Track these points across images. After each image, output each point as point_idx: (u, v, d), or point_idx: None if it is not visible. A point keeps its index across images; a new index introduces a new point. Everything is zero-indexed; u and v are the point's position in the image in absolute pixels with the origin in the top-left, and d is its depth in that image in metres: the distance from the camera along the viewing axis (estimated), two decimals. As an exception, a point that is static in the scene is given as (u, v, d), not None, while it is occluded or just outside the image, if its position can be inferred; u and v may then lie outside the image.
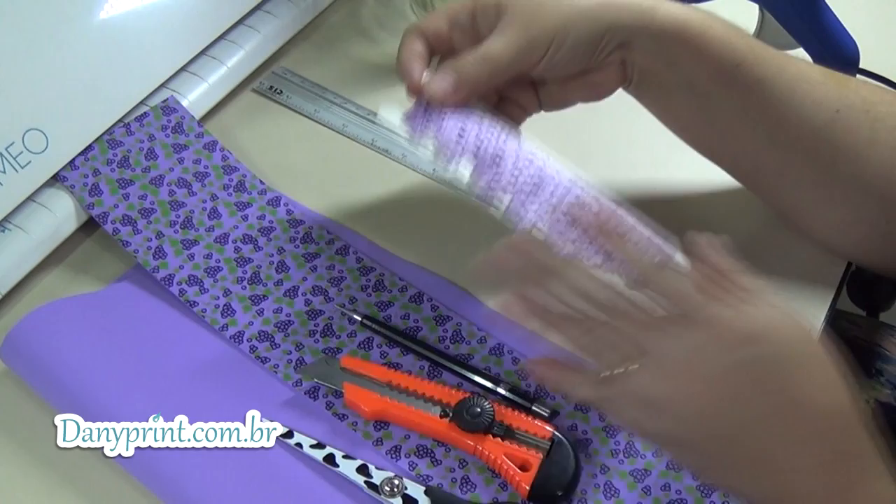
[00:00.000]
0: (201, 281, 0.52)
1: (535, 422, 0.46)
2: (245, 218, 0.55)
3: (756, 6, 0.64)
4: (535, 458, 0.44)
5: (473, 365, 0.49)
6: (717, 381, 0.38)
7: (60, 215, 0.53)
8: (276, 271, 0.53)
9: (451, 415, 0.46)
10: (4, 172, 0.50)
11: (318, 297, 0.52)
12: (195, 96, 0.60)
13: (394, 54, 0.69)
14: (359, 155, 0.61)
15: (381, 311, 0.51)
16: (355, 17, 0.71)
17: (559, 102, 0.52)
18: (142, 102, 0.58)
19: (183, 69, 0.60)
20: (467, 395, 0.47)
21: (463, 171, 0.46)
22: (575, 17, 0.47)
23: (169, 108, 0.58)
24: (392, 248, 0.55)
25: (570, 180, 0.46)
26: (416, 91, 0.48)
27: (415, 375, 0.49)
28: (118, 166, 0.55)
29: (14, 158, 0.50)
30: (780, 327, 0.39)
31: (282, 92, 0.64)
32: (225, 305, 0.51)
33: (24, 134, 0.51)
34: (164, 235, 0.53)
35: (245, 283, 0.52)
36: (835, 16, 0.62)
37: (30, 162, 0.51)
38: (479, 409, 0.45)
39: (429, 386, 0.47)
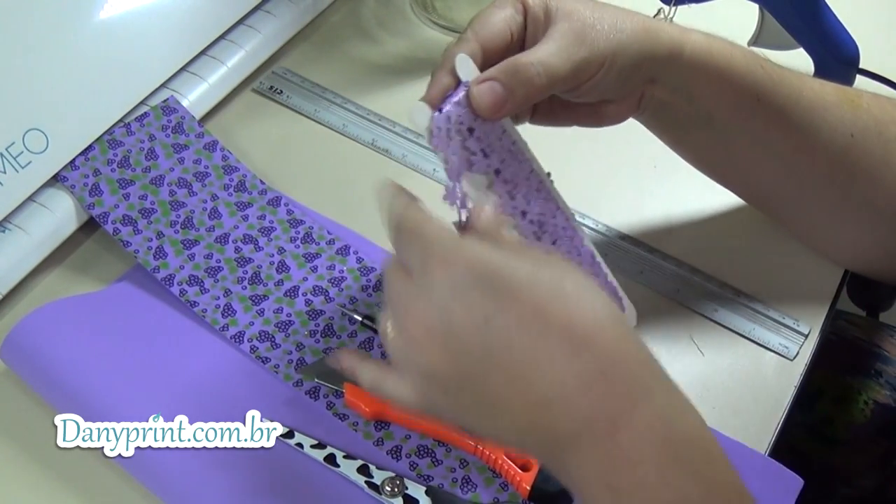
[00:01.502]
0: (202, 281, 0.52)
1: None
2: (245, 218, 0.55)
3: (756, 6, 0.64)
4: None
5: None
6: (454, 312, 0.34)
7: (60, 215, 0.53)
8: (277, 271, 0.53)
9: None
10: (4, 172, 0.50)
11: (318, 297, 0.52)
12: (195, 96, 0.60)
13: (394, 54, 0.69)
14: (359, 155, 0.61)
15: (381, 311, 0.51)
16: (355, 17, 0.71)
17: (555, 121, 0.49)
18: (142, 102, 0.58)
19: (183, 69, 0.60)
20: None
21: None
22: (625, 43, 0.44)
23: (169, 108, 0.58)
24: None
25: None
26: (430, 104, 0.42)
27: None
28: (118, 166, 0.55)
29: (14, 158, 0.50)
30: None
31: (282, 92, 0.64)
32: (226, 306, 0.51)
33: (25, 134, 0.51)
34: (164, 235, 0.53)
35: (245, 283, 0.52)
36: (835, 16, 0.62)
37: (30, 162, 0.51)
38: None
39: None
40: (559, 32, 0.43)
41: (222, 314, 0.51)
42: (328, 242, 0.54)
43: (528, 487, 0.44)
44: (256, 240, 0.54)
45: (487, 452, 0.45)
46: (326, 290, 0.52)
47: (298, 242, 0.54)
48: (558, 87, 0.43)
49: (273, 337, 0.50)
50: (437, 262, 0.35)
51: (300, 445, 0.45)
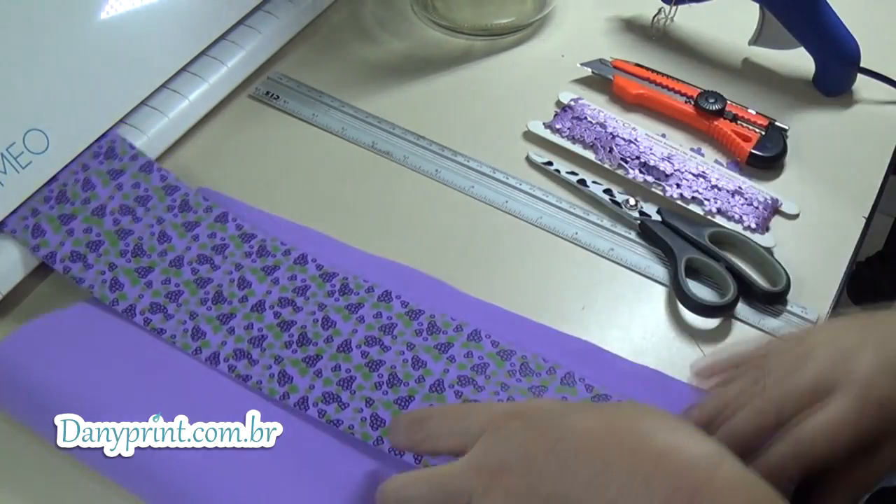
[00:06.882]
0: (164, 307, 0.51)
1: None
2: (196, 238, 0.54)
3: (756, 5, 0.64)
4: (754, 135, 0.60)
5: (452, 354, 0.49)
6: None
7: (60, 215, 0.53)
8: (239, 288, 0.52)
9: (693, 102, 0.62)
10: (5, 172, 0.50)
11: (286, 308, 0.51)
12: (196, 96, 0.60)
13: (394, 54, 0.69)
14: (359, 158, 0.61)
15: (352, 313, 0.51)
16: (356, 18, 0.71)
17: None
18: (142, 103, 0.58)
19: (183, 69, 0.60)
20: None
21: None
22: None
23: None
24: (394, 251, 0.55)
25: None
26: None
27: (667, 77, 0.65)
28: (56, 202, 0.53)
29: (14, 158, 0.50)
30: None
31: (278, 97, 0.64)
32: (194, 329, 0.50)
33: (25, 134, 0.51)
34: (117, 266, 0.52)
35: (209, 303, 0.51)
36: (836, 15, 0.62)
37: (30, 162, 0.51)
38: (713, 99, 0.62)
39: (676, 84, 0.64)
40: None
41: (192, 337, 0.49)
42: (284, 253, 0.53)
43: (748, 152, 0.60)
44: (211, 259, 0.53)
45: (720, 127, 0.62)
46: (293, 301, 0.51)
47: (254, 256, 0.53)
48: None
49: (249, 353, 0.49)
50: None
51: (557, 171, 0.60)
